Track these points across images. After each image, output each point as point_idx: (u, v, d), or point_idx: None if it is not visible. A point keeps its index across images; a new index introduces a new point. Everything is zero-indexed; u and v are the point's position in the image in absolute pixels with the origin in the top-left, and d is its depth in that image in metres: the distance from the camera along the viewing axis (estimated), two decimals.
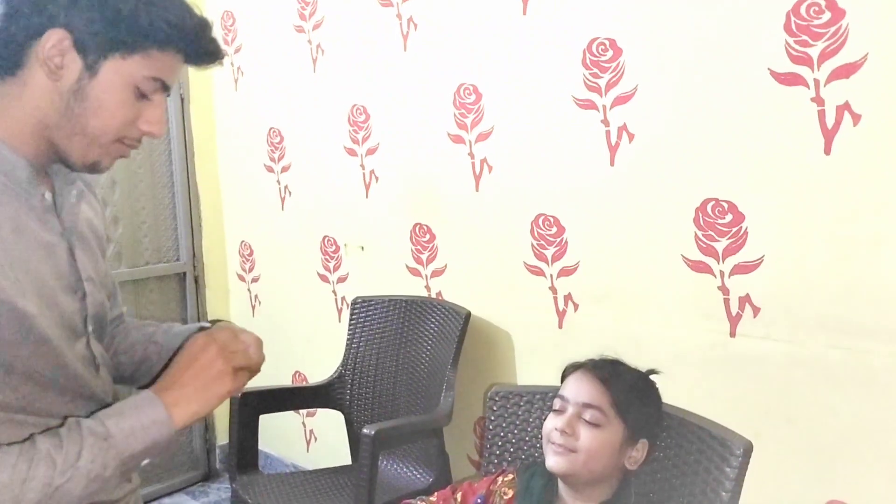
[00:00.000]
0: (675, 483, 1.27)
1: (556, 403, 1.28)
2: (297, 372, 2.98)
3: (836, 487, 1.65)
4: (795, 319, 1.67)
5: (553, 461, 1.23)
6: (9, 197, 0.85)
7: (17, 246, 0.84)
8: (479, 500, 1.33)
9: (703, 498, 1.20)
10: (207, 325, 1.06)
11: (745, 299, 1.74)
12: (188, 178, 3.02)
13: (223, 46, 0.93)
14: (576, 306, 2.06)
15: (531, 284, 2.13)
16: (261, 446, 3.07)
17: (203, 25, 0.90)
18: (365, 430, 1.87)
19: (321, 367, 2.64)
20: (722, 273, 1.76)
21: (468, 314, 2.17)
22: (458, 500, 1.34)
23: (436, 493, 1.35)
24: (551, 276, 2.09)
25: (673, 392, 1.36)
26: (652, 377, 1.31)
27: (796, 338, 1.67)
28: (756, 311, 1.73)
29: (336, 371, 2.44)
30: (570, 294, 2.06)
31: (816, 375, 1.65)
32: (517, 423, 1.47)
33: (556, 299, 2.10)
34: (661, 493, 1.29)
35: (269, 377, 3.03)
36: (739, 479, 1.16)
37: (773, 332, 1.71)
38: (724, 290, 1.77)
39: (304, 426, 3.00)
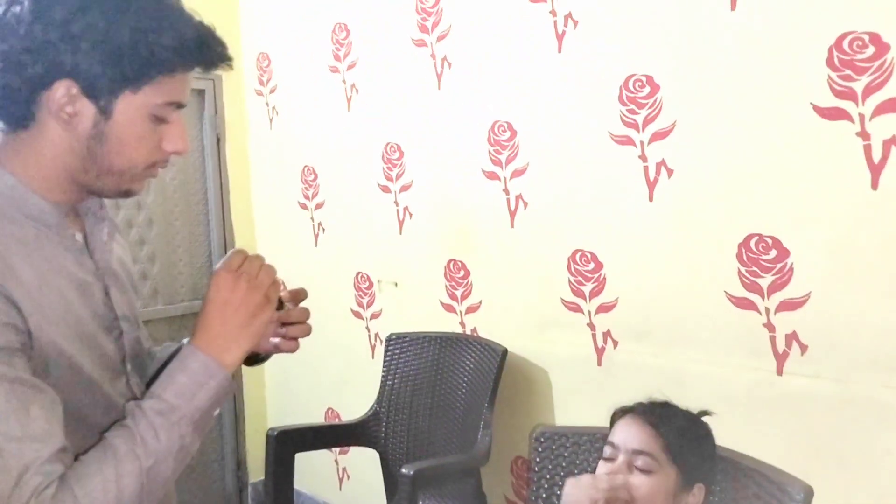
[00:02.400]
0: None
1: (607, 451, 1.25)
2: (329, 409, 2.96)
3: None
4: (845, 357, 1.63)
5: None
6: (42, 241, 0.86)
7: (56, 288, 0.84)
8: None
9: None
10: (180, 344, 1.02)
11: (791, 336, 1.70)
12: (223, 215, 3.05)
13: (226, 51, 0.90)
14: (615, 343, 2.03)
15: (569, 321, 2.11)
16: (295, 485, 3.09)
17: (203, 37, 0.87)
18: (404, 470, 1.85)
19: (355, 404, 2.62)
20: (767, 310, 1.73)
21: (505, 351, 2.15)
22: None
23: None
24: (589, 312, 2.07)
25: (718, 433, 1.32)
26: (704, 419, 1.28)
27: (846, 376, 1.63)
28: (804, 348, 1.69)
29: (371, 408, 2.42)
30: (609, 331, 2.03)
31: (868, 415, 1.60)
32: (563, 464, 1.44)
33: (594, 336, 2.07)
34: None
35: (302, 415, 3.04)
36: None
37: (822, 370, 1.67)
38: (769, 327, 1.73)
39: (337, 464, 2.97)
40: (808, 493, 1.14)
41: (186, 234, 2.99)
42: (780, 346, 1.72)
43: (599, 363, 2.06)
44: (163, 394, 0.84)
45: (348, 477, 2.94)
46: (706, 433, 1.26)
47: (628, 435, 1.23)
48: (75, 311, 0.86)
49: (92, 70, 0.82)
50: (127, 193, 0.92)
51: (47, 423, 0.78)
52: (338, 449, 2.92)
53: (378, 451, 2.42)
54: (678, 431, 1.21)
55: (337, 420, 2.88)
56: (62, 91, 0.83)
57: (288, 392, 3.13)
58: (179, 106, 0.90)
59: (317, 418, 2.99)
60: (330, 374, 2.91)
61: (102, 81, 0.82)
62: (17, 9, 0.81)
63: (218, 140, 3.01)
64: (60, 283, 0.85)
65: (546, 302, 2.16)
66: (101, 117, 0.84)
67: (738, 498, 1.24)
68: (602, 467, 1.23)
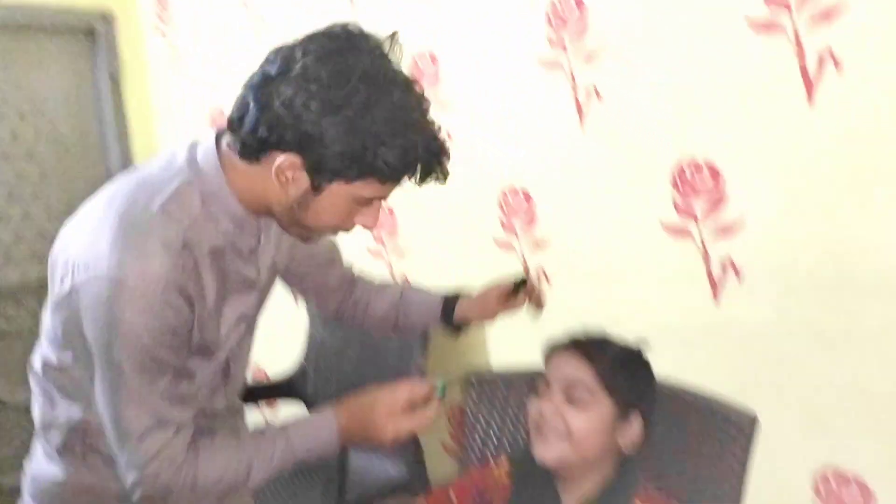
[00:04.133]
0: (676, 461, 1.17)
1: (539, 385, 1.18)
2: (257, 367, 2.82)
3: (830, 453, 1.57)
4: (782, 282, 1.58)
5: (541, 450, 1.12)
6: (230, 239, 1.01)
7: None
8: (478, 497, 1.22)
9: (708, 480, 1.10)
10: (452, 296, 1.30)
11: (727, 263, 1.65)
12: (125, 164, 2.82)
13: (442, 166, 0.97)
14: (549, 281, 1.95)
15: (501, 260, 2.02)
16: None
17: (428, 159, 0.93)
18: (282, 423, 1.74)
19: (283, 358, 2.50)
20: (702, 237, 1.67)
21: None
22: (453, 499, 1.22)
23: (423, 500, 1.24)
24: (522, 251, 1.99)
25: (657, 365, 1.25)
26: (641, 349, 1.21)
27: (784, 301, 1.59)
28: (740, 275, 1.64)
29: (298, 364, 2.31)
30: (542, 268, 1.96)
31: (807, 340, 1.56)
32: (499, 408, 1.36)
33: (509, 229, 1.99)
34: (667, 474, 1.19)
35: None
36: (748, 454, 1.06)
37: (759, 296, 1.62)
38: (705, 255, 1.68)
39: (265, 418, 2.85)
40: (754, 422, 1.08)
41: (83, 187, 2.74)
42: (716, 274, 1.67)
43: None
44: (292, 439, 1.04)
45: None
46: (643, 363, 1.19)
47: (560, 367, 1.15)
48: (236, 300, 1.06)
49: (321, 156, 0.90)
50: (303, 239, 1.06)
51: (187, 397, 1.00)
52: (265, 404, 2.80)
53: (306, 406, 2.31)
54: (612, 361, 1.14)
55: (264, 378, 2.76)
56: (289, 162, 0.91)
57: None
58: (382, 198, 0.98)
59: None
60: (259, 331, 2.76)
61: (325, 168, 0.91)
62: (300, 69, 0.90)
63: (114, 83, 2.76)
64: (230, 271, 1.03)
65: (477, 242, 2.07)
66: (311, 192, 0.93)
67: (679, 430, 1.18)
68: (534, 404, 1.15)
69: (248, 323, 1.12)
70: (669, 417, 1.20)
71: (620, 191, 1.78)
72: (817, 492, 1.59)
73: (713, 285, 1.68)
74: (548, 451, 1.11)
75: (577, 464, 1.12)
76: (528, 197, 1.96)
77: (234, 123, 0.95)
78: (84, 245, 0.94)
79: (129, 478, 0.98)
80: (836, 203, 1.49)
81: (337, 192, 0.93)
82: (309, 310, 2.31)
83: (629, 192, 1.76)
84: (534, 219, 1.96)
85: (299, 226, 0.99)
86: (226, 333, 1.05)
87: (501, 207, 2.02)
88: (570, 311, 1.89)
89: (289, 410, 2.46)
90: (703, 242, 1.67)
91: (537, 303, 1.28)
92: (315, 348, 2.30)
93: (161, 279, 0.92)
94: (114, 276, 0.91)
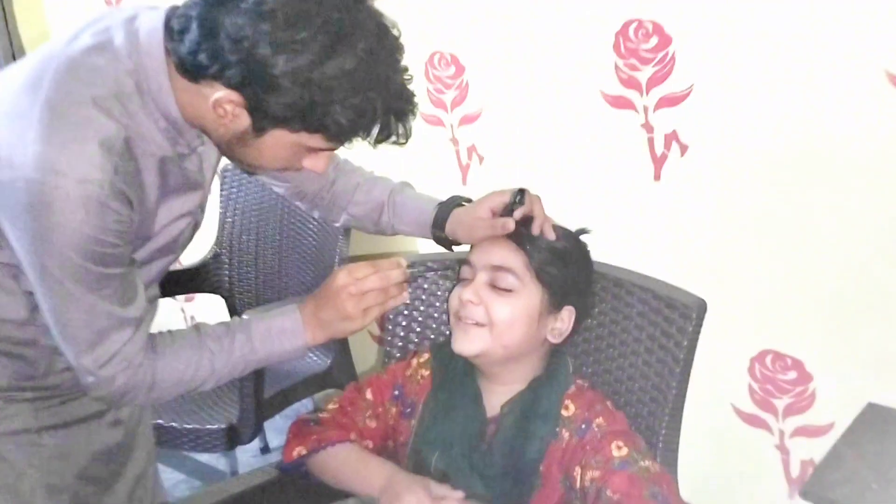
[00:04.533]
0: (614, 354, 1.08)
1: (464, 271, 1.05)
2: None
3: (768, 339, 1.52)
4: (729, 158, 1.47)
5: (459, 341, 1.02)
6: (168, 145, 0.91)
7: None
8: (397, 393, 1.11)
9: (648, 369, 1.01)
10: (447, 204, 1.14)
11: (671, 136, 1.52)
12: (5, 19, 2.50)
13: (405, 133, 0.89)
14: (480, 158, 1.80)
15: (429, 136, 1.85)
16: None
17: (387, 123, 0.85)
18: (245, 317, 1.60)
19: (200, 245, 2.31)
20: (646, 108, 1.53)
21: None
22: (370, 399, 1.11)
23: (336, 401, 1.12)
24: (451, 125, 1.82)
25: (594, 245, 1.14)
26: (582, 237, 1.09)
27: (729, 180, 1.48)
28: (684, 149, 1.52)
29: (210, 250, 2.13)
30: (473, 146, 1.80)
31: (751, 221, 1.48)
32: (423, 297, 1.23)
33: (458, 152, 1.83)
34: (601, 367, 1.10)
35: None
36: (692, 343, 0.97)
37: (703, 173, 1.51)
38: (647, 127, 1.54)
39: (184, 312, 2.70)
40: (701, 307, 0.98)
41: None
42: (659, 149, 1.55)
43: (464, 181, 1.85)
44: (254, 333, 0.98)
45: None
46: (580, 251, 1.07)
47: (487, 251, 1.03)
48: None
49: (264, 102, 0.81)
50: (245, 171, 0.99)
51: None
52: (183, 296, 2.64)
53: (223, 297, 2.15)
54: (544, 246, 1.02)
55: (178, 265, 2.57)
56: (228, 97, 0.82)
57: None
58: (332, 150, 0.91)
59: None
60: None
61: (268, 114, 0.82)
62: (256, 1, 0.78)
63: None
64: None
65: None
66: (251, 132, 0.85)
67: (620, 318, 1.08)
68: (456, 291, 1.03)
69: (190, 221, 1.01)
70: (607, 305, 1.10)
71: (560, 57, 1.61)
72: (752, 374, 1.55)
73: (654, 160, 1.56)
74: (466, 343, 1.01)
75: (498, 357, 1.02)
76: (457, 63, 1.77)
77: (174, 33, 0.83)
78: (5, 136, 0.82)
79: (85, 381, 0.92)
80: (786, 71, 1.36)
81: (280, 138, 0.85)
82: (222, 189, 2.10)
83: (570, 60, 1.60)
84: (464, 88, 1.78)
85: (238, 160, 0.93)
86: (160, 231, 0.96)
87: (428, 76, 1.82)
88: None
89: (209, 301, 2.30)
90: (646, 113, 1.53)
91: (534, 227, 1.04)
92: (228, 234, 2.12)
93: (100, 185, 0.82)
94: (45, 181, 0.80)
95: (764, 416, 1.57)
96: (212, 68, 0.81)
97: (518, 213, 1.02)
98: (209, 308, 2.44)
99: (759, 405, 1.58)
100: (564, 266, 1.03)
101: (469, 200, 1.13)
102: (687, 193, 1.54)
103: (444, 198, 1.16)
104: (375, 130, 0.86)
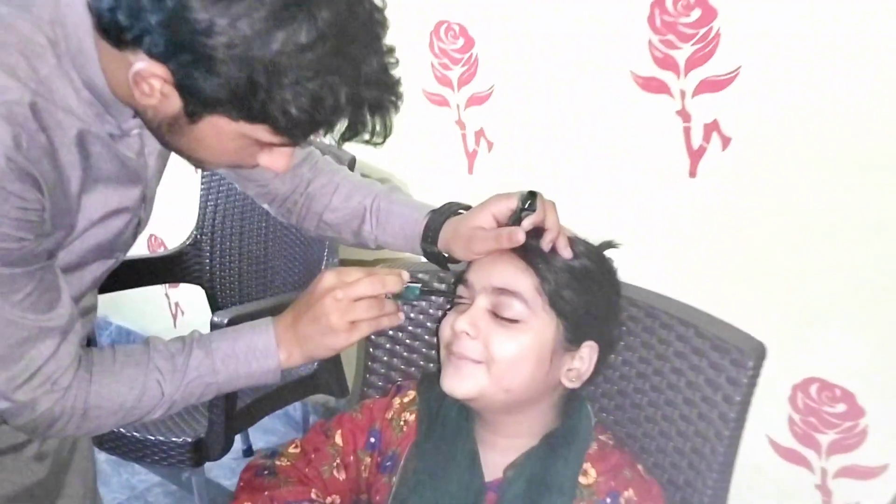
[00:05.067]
0: (643, 402, 0.87)
1: (460, 291, 0.85)
2: (152, 236, 2.45)
3: (815, 365, 1.32)
4: (778, 155, 1.26)
5: (450, 378, 0.82)
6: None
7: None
8: (373, 440, 0.91)
9: (688, 426, 0.80)
10: (441, 212, 0.94)
11: (711, 127, 1.31)
12: None
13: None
14: (490, 145, 1.59)
15: (433, 118, 1.65)
16: (121, 322, 2.65)
17: (356, 116, 0.68)
18: (215, 319, 1.42)
19: (184, 228, 2.13)
20: (683, 93, 1.32)
21: (352, 160, 1.68)
22: (339, 444, 0.91)
23: (297, 444, 0.92)
24: (458, 106, 1.61)
25: (618, 253, 0.95)
26: (607, 252, 0.88)
27: (778, 179, 1.27)
28: (726, 142, 1.31)
29: (190, 236, 1.94)
30: (482, 130, 1.59)
31: (801, 228, 1.27)
32: (412, 316, 1.03)
33: (464, 137, 1.62)
34: (625, 415, 0.89)
35: None
36: (746, 399, 0.76)
37: (748, 170, 1.30)
38: (684, 115, 1.33)
39: (169, 298, 2.52)
40: (760, 353, 0.77)
41: None
42: (697, 140, 1.34)
43: (470, 171, 1.64)
44: (216, 350, 0.81)
45: (182, 312, 2.51)
46: (604, 271, 0.86)
47: (488, 270, 0.83)
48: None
49: (195, 79, 0.64)
50: (191, 163, 0.78)
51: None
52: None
53: (204, 288, 1.96)
54: (561, 266, 0.81)
55: (162, 249, 2.39)
56: (151, 70, 0.65)
57: None
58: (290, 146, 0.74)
59: (137, 249, 2.48)
60: None
61: (200, 95, 0.65)
62: None
63: None
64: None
65: (404, 94, 1.67)
66: (184, 117, 0.68)
67: (653, 358, 0.87)
68: (449, 318, 0.83)
69: (130, 219, 0.83)
70: (636, 339, 0.89)
71: (582, 29, 1.39)
72: (794, 404, 1.35)
73: (690, 154, 1.34)
74: (457, 382, 0.81)
75: (499, 404, 0.82)
76: (466, 35, 1.56)
77: None
78: None
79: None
80: (856, 61, 1.14)
81: (218, 127, 0.69)
82: (203, 174, 1.91)
83: (598, 37, 1.38)
84: (473, 63, 1.57)
85: (175, 151, 0.76)
86: (91, 227, 0.79)
87: (433, 49, 1.61)
88: (514, 183, 1.56)
89: (194, 288, 2.13)
90: (682, 98, 1.32)
91: (545, 240, 0.83)
92: (210, 219, 1.93)
93: None
94: None
95: (804, 453, 1.38)
96: (131, 31, 0.64)
97: (528, 223, 0.82)
98: (196, 294, 2.26)
99: (799, 439, 1.38)
100: (585, 291, 0.82)
101: (468, 208, 0.92)
102: (728, 193, 1.33)
103: (438, 204, 0.95)
104: (341, 124, 0.68)
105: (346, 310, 0.78)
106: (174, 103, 0.67)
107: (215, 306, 1.97)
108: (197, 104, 0.66)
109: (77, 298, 0.83)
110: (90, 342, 0.93)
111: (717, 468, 0.76)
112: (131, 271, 1.88)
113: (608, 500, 0.77)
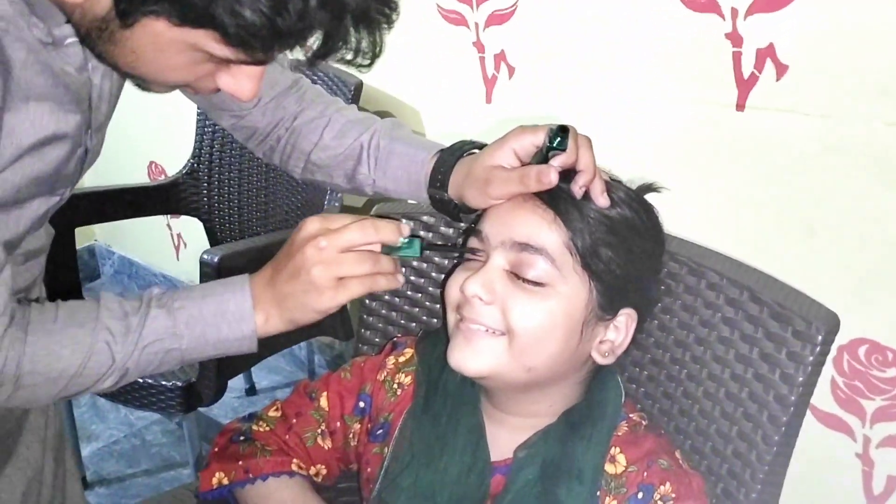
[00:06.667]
0: (681, 375, 0.74)
1: (471, 246, 0.71)
2: (152, 163, 2.33)
3: (866, 324, 1.18)
4: (836, 83, 1.10)
5: (459, 352, 0.69)
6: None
7: None
8: (362, 404, 0.79)
9: (735, 409, 0.68)
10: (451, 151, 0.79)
11: (766, 52, 1.14)
12: None
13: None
14: (511, 70, 1.43)
15: (447, 38, 1.49)
16: (124, 252, 2.56)
17: (333, 26, 0.54)
18: (204, 256, 1.31)
19: (172, 159, 2.01)
20: (734, 12, 1.15)
21: (359, 85, 1.53)
22: (325, 409, 0.79)
23: (278, 407, 0.81)
24: (476, 24, 1.44)
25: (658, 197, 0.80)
26: (647, 196, 0.73)
27: (840, 113, 1.11)
28: (782, 70, 1.14)
29: (186, 165, 1.81)
30: (503, 52, 1.43)
31: (861, 164, 1.12)
32: (413, 265, 0.90)
33: (482, 60, 1.46)
34: (660, 389, 0.77)
35: (119, 172, 2.42)
36: (811, 380, 0.63)
37: (805, 102, 1.14)
38: (734, 38, 1.16)
39: (171, 229, 2.41)
40: (831, 325, 0.64)
41: None
42: (748, 67, 1.17)
43: (488, 99, 1.48)
44: (179, 311, 0.68)
45: (185, 244, 2.41)
46: (648, 221, 0.72)
47: (507, 220, 0.69)
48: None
49: None
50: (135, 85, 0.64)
51: None
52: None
53: (202, 221, 1.85)
54: (597, 217, 0.67)
55: (162, 177, 2.28)
56: None
57: (107, 144, 2.42)
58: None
59: (139, 176, 2.37)
60: (151, 118, 2.23)
61: None
62: None
63: None
64: None
65: (415, 11, 1.50)
66: (115, 20, 0.55)
67: (696, 323, 0.73)
68: (458, 277, 0.70)
69: (71, 148, 0.69)
70: (674, 301, 0.76)
71: None
72: (839, 367, 1.23)
73: (739, 83, 1.18)
74: (469, 357, 0.68)
75: (517, 383, 0.69)
76: None
77: None
78: None
79: None
80: None
81: (160, 33, 0.56)
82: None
83: None
84: None
85: (113, 66, 0.62)
86: (24, 155, 0.64)
87: None
88: (539, 117, 1.41)
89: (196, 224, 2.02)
90: (734, 18, 1.15)
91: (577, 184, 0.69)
92: (208, 145, 1.80)
93: None
94: None
95: (847, 419, 1.26)
96: None
97: (557, 162, 0.67)
98: (199, 225, 2.16)
99: (842, 405, 1.26)
100: (625, 247, 0.68)
101: (484, 147, 0.78)
102: (780, 131, 1.17)
103: (448, 143, 0.81)
104: (314, 39, 0.55)
105: (331, 262, 0.65)
106: (103, 2, 0.54)
107: (214, 241, 1.86)
108: (127, 1, 0.53)
109: (15, 241, 0.70)
110: (40, 299, 0.80)
111: (769, 460, 0.64)
112: (125, 200, 1.77)
113: (640, 494, 0.64)
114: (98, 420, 1.96)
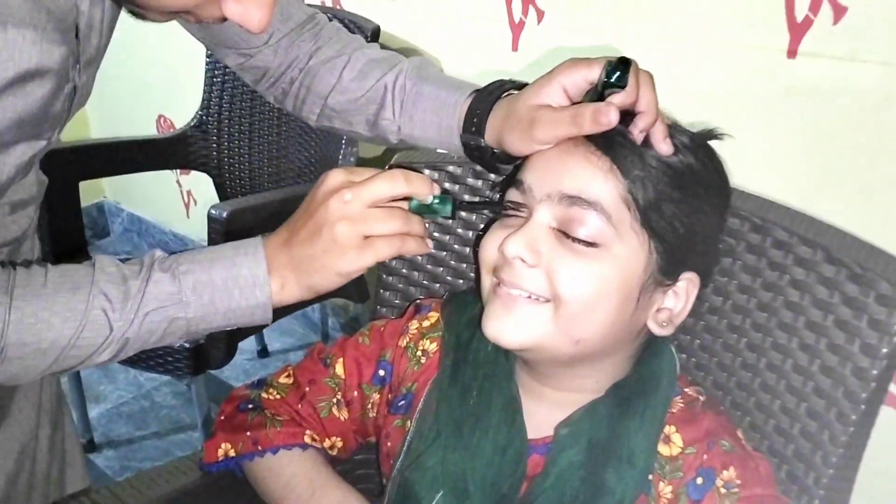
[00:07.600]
0: (742, 347, 0.66)
1: (511, 199, 0.63)
2: (161, 116, 2.25)
3: None
4: None
5: (496, 321, 0.60)
6: None
7: None
8: (382, 372, 0.72)
9: (806, 382, 0.60)
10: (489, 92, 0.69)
11: None
12: None
13: None
14: (540, 14, 1.33)
15: None
16: (133, 209, 2.50)
17: None
18: (212, 212, 1.24)
19: (179, 110, 1.93)
20: None
21: (375, 29, 1.43)
22: (341, 376, 0.72)
23: (290, 373, 0.74)
24: None
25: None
26: (711, 143, 0.64)
27: None
28: (841, 12, 1.04)
29: (195, 117, 1.72)
30: None
31: None
32: (437, 221, 0.82)
33: (509, 3, 1.36)
34: (717, 360, 0.69)
35: (126, 123, 2.34)
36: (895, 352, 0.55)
37: (862, 47, 1.04)
38: None
39: (180, 186, 2.34)
40: None
41: None
42: (801, 11, 1.07)
43: (515, 46, 1.38)
44: (185, 275, 0.60)
45: (195, 202, 2.34)
46: (713, 171, 0.63)
47: (554, 169, 0.60)
48: None
49: None
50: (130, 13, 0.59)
51: None
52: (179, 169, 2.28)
53: (211, 176, 1.77)
54: (659, 167, 0.58)
55: (171, 130, 2.20)
56: None
57: (115, 98, 2.34)
58: None
59: (147, 128, 2.30)
60: (160, 70, 2.14)
61: None
62: None
63: None
64: None
65: None
66: None
67: (759, 287, 0.65)
68: (497, 234, 0.62)
69: (55, 85, 0.60)
70: (735, 263, 0.67)
71: None
72: None
73: (792, 27, 1.08)
74: (509, 328, 0.60)
75: (563, 357, 0.61)
76: None
77: None
78: None
79: None
80: None
81: None
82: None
83: None
84: None
85: None
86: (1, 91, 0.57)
87: None
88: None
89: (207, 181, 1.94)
90: None
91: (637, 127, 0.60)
92: (217, 96, 1.71)
93: None
94: None
95: None
96: None
97: (617, 100, 0.58)
98: (209, 181, 2.08)
99: None
100: (690, 202, 0.59)
101: (525, 85, 0.68)
102: (837, 79, 1.07)
103: (483, 83, 0.72)
104: None
105: (356, 217, 0.57)
106: None
107: (224, 198, 1.78)
108: None
109: (6, 186, 0.63)
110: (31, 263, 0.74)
111: (844, 441, 0.56)
112: (129, 153, 1.69)
113: (699, 479, 0.57)
114: (106, 381, 1.91)
